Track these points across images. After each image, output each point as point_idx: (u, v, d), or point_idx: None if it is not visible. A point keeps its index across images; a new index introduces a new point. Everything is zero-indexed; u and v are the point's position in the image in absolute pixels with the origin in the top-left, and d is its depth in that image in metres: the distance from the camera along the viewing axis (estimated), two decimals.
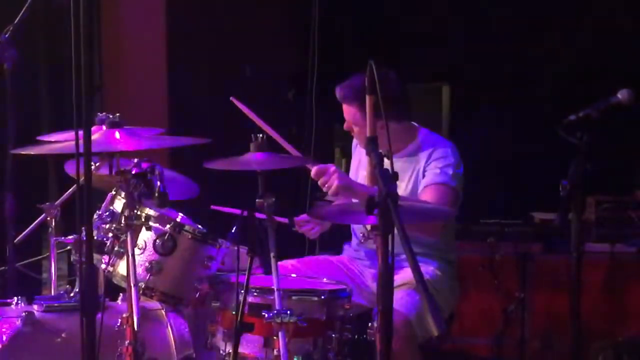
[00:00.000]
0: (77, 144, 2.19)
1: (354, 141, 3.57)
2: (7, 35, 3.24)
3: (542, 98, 4.91)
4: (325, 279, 3.13)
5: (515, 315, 4.28)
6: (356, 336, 2.87)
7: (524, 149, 4.87)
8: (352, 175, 3.55)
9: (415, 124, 3.42)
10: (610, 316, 4.29)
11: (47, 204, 3.18)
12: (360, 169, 3.44)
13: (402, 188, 3.28)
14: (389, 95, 3.07)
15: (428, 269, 3.33)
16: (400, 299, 2.99)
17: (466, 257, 4.28)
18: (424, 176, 3.28)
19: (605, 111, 2.91)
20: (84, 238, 2.17)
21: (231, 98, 3.29)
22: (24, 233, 3.32)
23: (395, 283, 2.97)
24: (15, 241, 3.30)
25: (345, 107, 3.31)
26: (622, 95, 2.92)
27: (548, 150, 4.64)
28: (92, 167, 2.94)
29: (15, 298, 2.95)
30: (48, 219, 3.18)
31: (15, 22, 3.21)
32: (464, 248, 4.33)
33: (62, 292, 2.98)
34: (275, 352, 2.62)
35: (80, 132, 2.18)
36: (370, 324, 2.71)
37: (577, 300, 2.89)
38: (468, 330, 4.35)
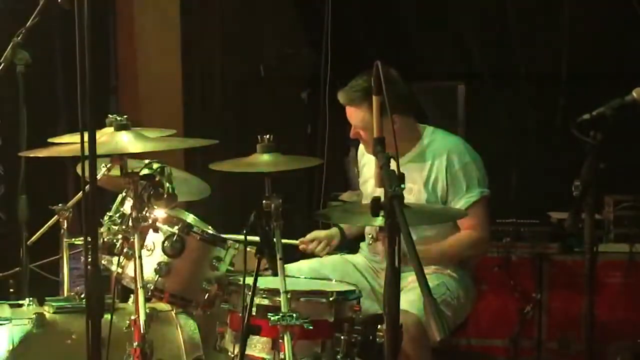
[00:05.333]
0: (82, 146, 2.19)
1: (360, 151, 3.52)
2: (19, 38, 3.25)
3: (558, 97, 4.86)
4: (335, 280, 3.11)
5: (532, 316, 4.25)
6: (368, 337, 2.84)
7: (540, 148, 4.84)
8: (363, 186, 3.50)
9: (419, 123, 3.39)
10: (628, 317, 4.23)
11: (59, 205, 3.19)
12: (370, 178, 3.38)
13: (415, 191, 3.26)
14: (397, 93, 3.08)
15: (443, 272, 3.30)
16: (412, 300, 2.97)
17: (482, 257, 4.26)
18: (447, 187, 3.24)
19: (620, 110, 2.87)
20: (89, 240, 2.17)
21: None
22: (36, 235, 3.33)
23: (409, 284, 2.96)
24: (28, 242, 3.32)
25: (352, 110, 3.24)
26: (637, 93, 2.88)
27: (565, 149, 4.60)
28: (104, 169, 2.99)
29: (27, 299, 2.98)
30: (60, 220, 3.19)
31: (27, 24, 3.21)
32: None
33: (73, 293, 3.00)
34: (281, 355, 2.61)
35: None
36: (380, 326, 2.69)
37: (591, 301, 2.86)
38: (484, 332, 4.32)
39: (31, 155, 2.99)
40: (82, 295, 2.93)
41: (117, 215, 2.84)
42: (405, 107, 3.23)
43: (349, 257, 3.51)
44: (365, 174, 3.48)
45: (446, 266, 3.31)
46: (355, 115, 3.24)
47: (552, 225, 4.44)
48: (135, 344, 2.57)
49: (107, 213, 2.88)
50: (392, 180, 2.20)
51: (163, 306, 3.00)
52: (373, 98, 2.41)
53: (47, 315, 2.87)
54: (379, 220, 2.23)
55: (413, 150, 3.31)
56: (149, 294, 2.83)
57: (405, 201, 2.12)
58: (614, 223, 4.39)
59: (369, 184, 3.42)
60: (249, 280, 2.69)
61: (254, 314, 2.67)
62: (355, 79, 3.21)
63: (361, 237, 3.54)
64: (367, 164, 3.45)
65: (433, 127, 3.39)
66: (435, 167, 3.26)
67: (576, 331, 4.12)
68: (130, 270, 2.81)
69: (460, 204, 3.22)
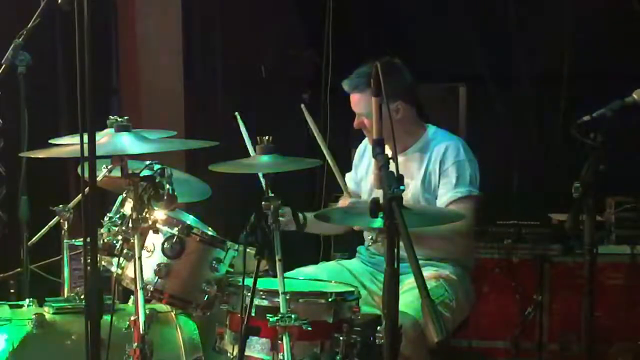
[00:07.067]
0: (81, 148, 2.20)
1: (360, 148, 3.53)
2: (20, 39, 3.26)
3: (559, 98, 4.86)
4: (334, 282, 3.11)
5: (533, 317, 4.25)
6: (369, 339, 2.84)
7: (541, 149, 4.83)
8: (361, 182, 3.50)
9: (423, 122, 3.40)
10: (630, 319, 4.23)
11: (60, 206, 3.19)
12: (369, 173, 3.39)
13: (411, 186, 3.27)
14: (401, 80, 3.09)
15: (443, 273, 3.30)
16: (409, 302, 2.97)
17: (483, 259, 4.27)
18: (439, 180, 3.25)
19: (621, 111, 2.87)
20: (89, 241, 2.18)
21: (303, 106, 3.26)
22: (37, 235, 3.34)
23: (407, 286, 2.96)
24: (29, 243, 3.32)
25: (357, 97, 3.26)
26: (637, 95, 2.89)
27: (566, 150, 4.60)
28: (105, 170, 3.00)
29: (27, 300, 2.98)
30: (61, 221, 3.20)
31: (29, 26, 3.22)
32: (480, 250, 4.31)
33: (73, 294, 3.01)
34: (280, 356, 2.61)
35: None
36: (378, 327, 2.69)
37: (591, 302, 2.87)
38: (486, 333, 4.32)
39: (32, 156, 2.99)
40: (83, 296, 2.94)
41: (118, 216, 2.84)
42: (409, 95, 3.25)
43: (345, 262, 3.51)
44: (361, 172, 3.49)
45: (446, 266, 3.31)
46: (359, 101, 3.26)
47: (553, 226, 4.44)
48: (135, 344, 2.57)
49: (108, 214, 2.89)
50: (391, 182, 2.20)
51: (163, 307, 3.00)
52: (372, 99, 2.42)
53: (47, 315, 2.87)
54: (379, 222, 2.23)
55: (415, 145, 3.32)
56: (149, 295, 2.83)
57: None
58: (615, 225, 4.38)
59: (364, 182, 3.43)
60: (249, 282, 2.69)
61: (253, 314, 2.67)
62: (359, 68, 3.23)
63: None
64: (362, 165, 3.47)
65: (436, 127, 3.41)
66: (432, 163, 3.28)
67: (577, 333, 4.11)
68: (130, 272, 2.81)
69: (446, 197, 3.22)
